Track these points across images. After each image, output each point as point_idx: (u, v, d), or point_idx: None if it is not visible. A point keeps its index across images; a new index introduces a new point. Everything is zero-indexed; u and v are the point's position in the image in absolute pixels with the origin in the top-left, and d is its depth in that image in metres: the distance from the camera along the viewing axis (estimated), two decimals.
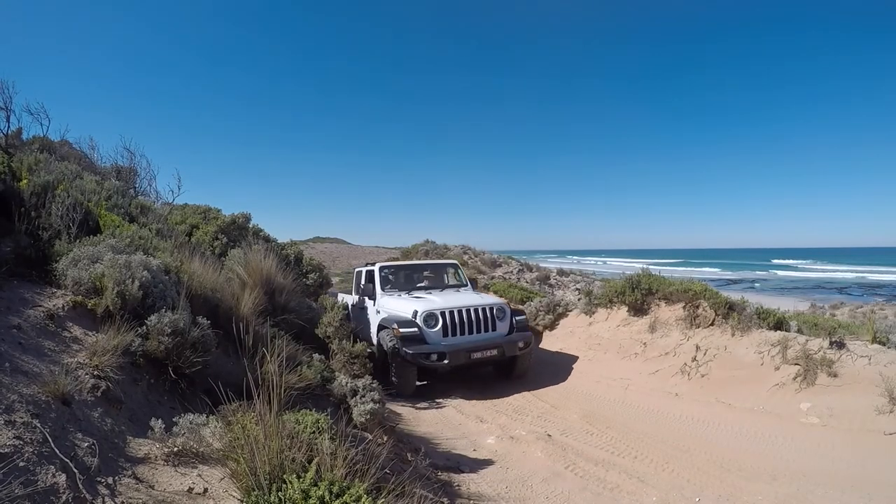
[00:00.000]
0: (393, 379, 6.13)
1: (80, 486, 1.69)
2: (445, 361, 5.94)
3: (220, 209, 8.53)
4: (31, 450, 1.71)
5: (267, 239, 8.37)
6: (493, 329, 6.45)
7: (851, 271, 45.64)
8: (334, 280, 12.81)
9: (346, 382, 3.94)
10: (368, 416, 3.67)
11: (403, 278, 7.88)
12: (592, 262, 68.82)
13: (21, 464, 1.62)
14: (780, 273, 47.68)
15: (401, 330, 6.04)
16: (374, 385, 4.02)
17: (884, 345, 5.08)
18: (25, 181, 3.95)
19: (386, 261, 9.16)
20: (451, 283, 8.14)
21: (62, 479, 1.67)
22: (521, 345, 6.36)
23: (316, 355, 4.39)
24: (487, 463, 4.06)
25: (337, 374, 4.18)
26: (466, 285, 7.94)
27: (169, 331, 2.88)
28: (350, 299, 8.50)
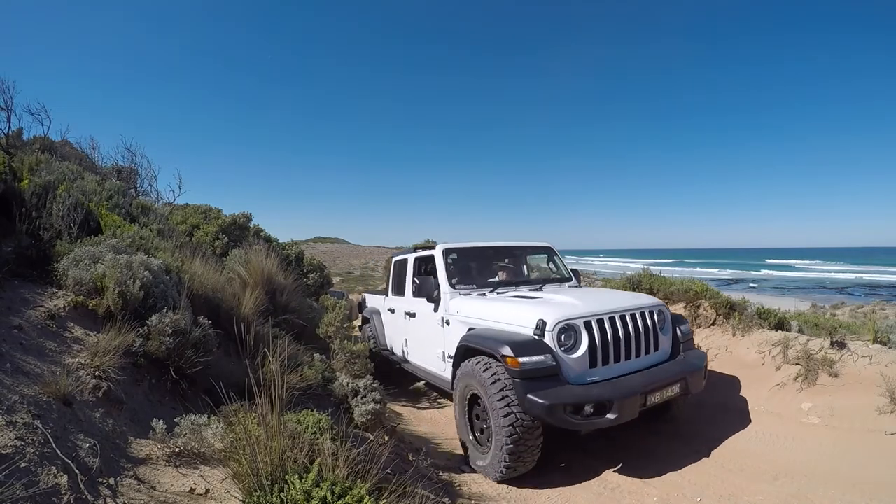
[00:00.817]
0: (506, 452, 3.39)
1: (82, 487, 1.69)
2: (610, 416, 3.27)
3: (220, 209, 8.56)
4: (33, 451, 1.71)
5: (268, 239, 8.38)
6: (656, 347, 4.00)
7: (850, 271, 45.72)
8: (335, 280, 12.83)
9: (348, 382, 3.94)
10: (370, 417, 3.66)
11: (476, 270, 5.15)
12: (589, 261, 68.99)
13: (23, 465, 1.62)
14: (777, 273, 47.75)
15: (520, 360, 3.32)
16: (375, 385, 4.01)
17: (885, 345, 5.07)
18: (26, 181, 3.94)
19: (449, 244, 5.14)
20: (541, 277, 5.52)
21: (64, 480, 1.67)
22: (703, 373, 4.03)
23: (317, 355, 4.38)
24: None
25: (338, 374, 4.17)
26: (570, 279, 5.42)
27: (170, 331, 2.88)
28: (379, 302, 6.24)
